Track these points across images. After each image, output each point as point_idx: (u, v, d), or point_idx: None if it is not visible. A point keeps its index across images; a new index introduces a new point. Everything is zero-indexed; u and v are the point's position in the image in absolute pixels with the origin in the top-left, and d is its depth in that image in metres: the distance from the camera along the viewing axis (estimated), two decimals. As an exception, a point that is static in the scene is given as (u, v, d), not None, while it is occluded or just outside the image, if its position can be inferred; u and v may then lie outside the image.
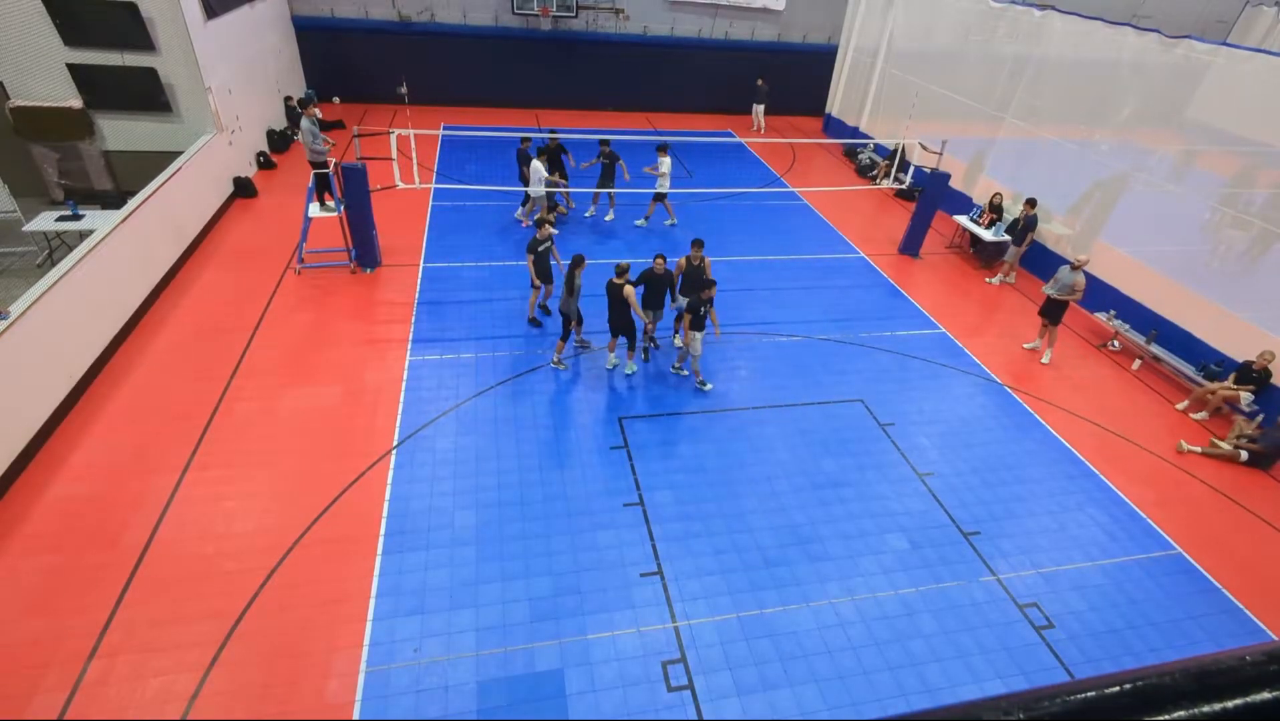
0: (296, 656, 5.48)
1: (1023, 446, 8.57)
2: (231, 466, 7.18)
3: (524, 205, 13.17)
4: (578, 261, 8.55)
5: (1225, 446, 8.74)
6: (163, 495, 6.77)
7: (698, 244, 9.10)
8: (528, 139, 12.89)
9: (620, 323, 8.65)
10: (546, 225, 9.36)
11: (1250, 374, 9.10)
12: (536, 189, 12.20)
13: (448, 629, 5.81)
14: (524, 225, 13.13)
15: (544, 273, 9.63)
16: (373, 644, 5.63)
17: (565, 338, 9.03)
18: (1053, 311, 10.15)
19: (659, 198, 13.04)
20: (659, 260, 8.67)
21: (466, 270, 11.44)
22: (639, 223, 13.53)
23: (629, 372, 9.21)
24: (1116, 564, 7.06)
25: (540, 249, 9.32)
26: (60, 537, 6.23)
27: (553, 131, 13.37)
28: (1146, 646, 6.25)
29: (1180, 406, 9.58)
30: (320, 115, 10.75)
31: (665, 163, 12.48)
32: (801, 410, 8.82)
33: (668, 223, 13.68)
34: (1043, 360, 10.37)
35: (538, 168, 12.06)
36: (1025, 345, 10.69)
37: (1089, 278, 10.67)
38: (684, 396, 8.89)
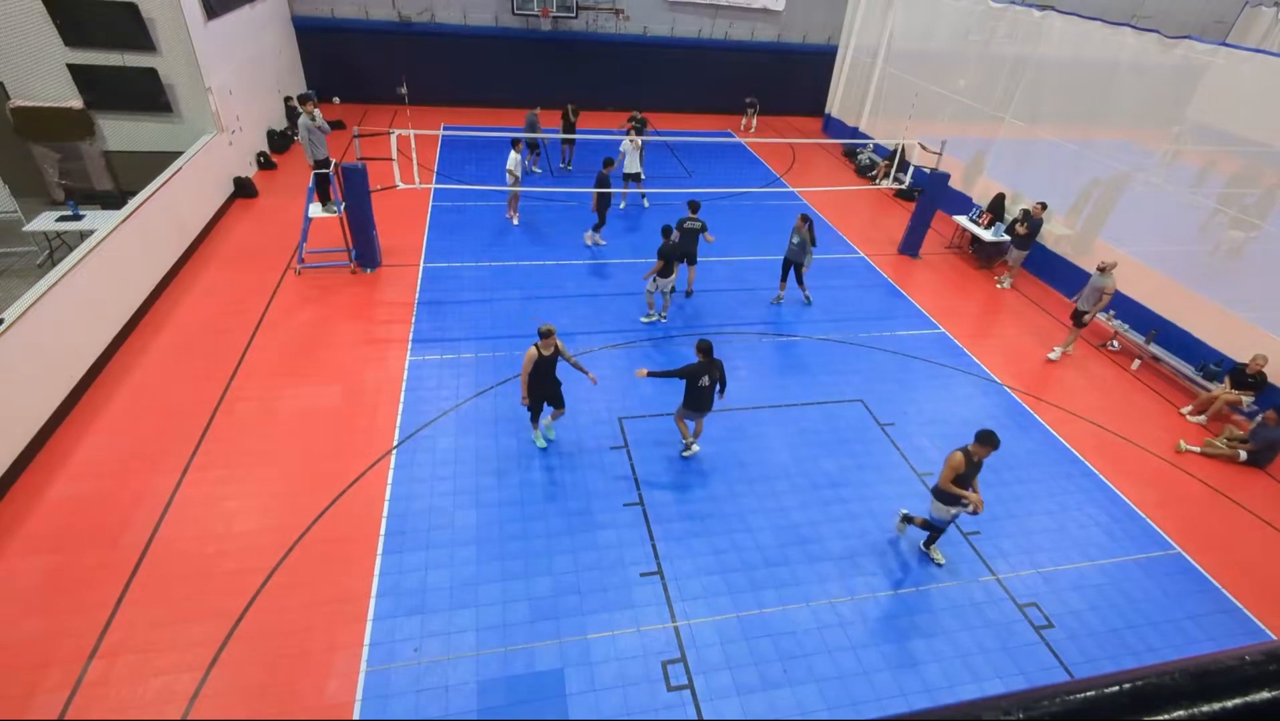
0: (297, 656, 5.49)
1: (1022, 446, 8.57)
2: (232, 466, 7.18)
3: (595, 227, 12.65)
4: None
5: (1220, 445, 8.75)
6: (163, 495, 6.77)
7: (990, 440, 6.08)
8: (610, 161, 12.54)
9: (543, 391, 7.30)
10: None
11: (1246, 379, 9.08)
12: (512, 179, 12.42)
13: (448, 628, 5.81)
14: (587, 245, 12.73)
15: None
16: (373, 643, 5.64)
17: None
18: (1080, 315, 10.19)
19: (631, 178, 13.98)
20: (703, 350, 7.08)
21: (466, 270, 11.44)
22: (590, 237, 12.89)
23: (544, 444, 7.80)
24: (1116, 563, 7.06)
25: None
26: (60, 537, 6.23)
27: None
28: (1146, 646, 6.26)
29: (1185, 410, 9.52)
30: (318, 115, 10.64)
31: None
32: (801, 410, 8.83)
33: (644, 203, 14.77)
34: (1050, 356, 10.37)
35: (514, 159, 12.22)
36: (1050, 356, 10.45)
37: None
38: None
